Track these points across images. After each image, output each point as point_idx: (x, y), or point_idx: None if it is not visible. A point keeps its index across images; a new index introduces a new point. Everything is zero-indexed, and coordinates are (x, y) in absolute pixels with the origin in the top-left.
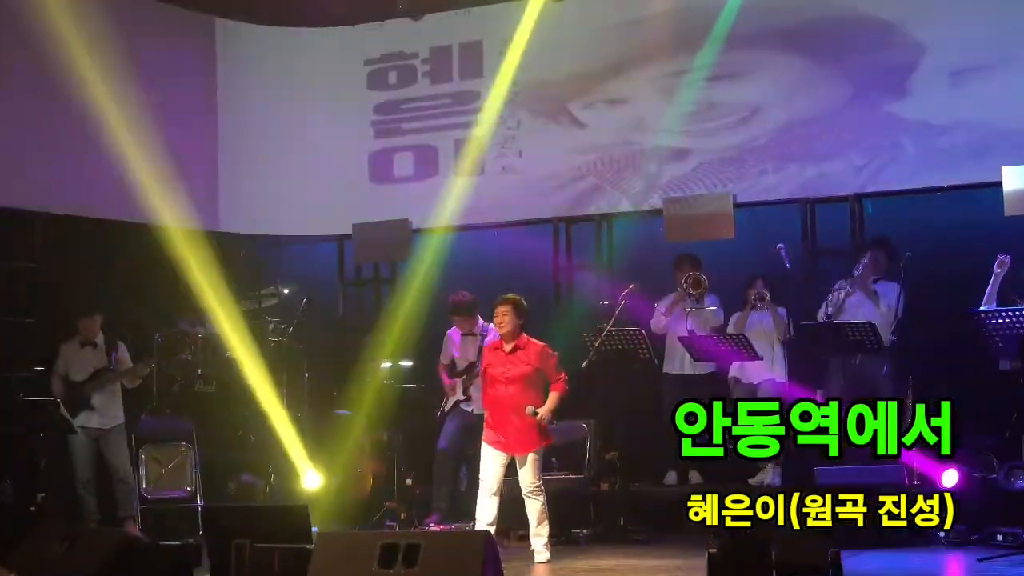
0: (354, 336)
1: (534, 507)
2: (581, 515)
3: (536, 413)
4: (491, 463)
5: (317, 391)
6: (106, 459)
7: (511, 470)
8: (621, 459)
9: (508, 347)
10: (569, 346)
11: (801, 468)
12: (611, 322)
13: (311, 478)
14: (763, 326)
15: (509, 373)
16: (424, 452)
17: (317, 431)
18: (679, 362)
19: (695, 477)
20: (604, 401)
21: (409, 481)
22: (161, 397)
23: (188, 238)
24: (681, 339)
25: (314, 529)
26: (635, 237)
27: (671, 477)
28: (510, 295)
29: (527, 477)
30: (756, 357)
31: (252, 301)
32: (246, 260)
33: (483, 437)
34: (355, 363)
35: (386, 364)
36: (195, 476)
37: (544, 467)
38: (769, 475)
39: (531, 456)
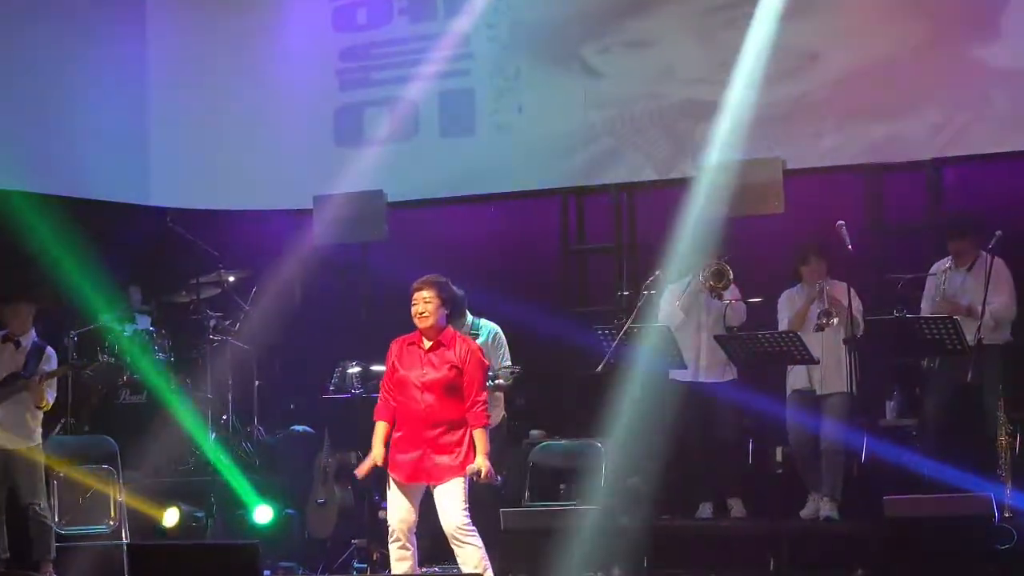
0: (316, 334)
1: (468, 556)
2: (595, 555)
3: (479, 472)
4: (399, 501)
5: (270, 402)
6: (15, 488)
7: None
8: (645, 486)
9: (427, 343)
10: (581, 346)
11: (866, 497)
12: (632, 317)
13: (262, 510)
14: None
15: (427, 377)
16: None
17: (270, 451)
18: (691, 368)
19: (737, 508)
20: (623, 414)
21: (383, 513)
22: (77, 410)
23: (111, 214)
24: (719, 338)
25: (266, 573)
26: (661, 212)
27: (705, 510)
28: (432, 276)
29: (452, 513)
30: (811, 360)
31: (190, 291)
32: (182, 241)
33: (389, 464)
34: (317, 368)
35: (355, 368)
36: (119, 507)
37: (549, 496)
38: (825, 507)
39: (455, 484)
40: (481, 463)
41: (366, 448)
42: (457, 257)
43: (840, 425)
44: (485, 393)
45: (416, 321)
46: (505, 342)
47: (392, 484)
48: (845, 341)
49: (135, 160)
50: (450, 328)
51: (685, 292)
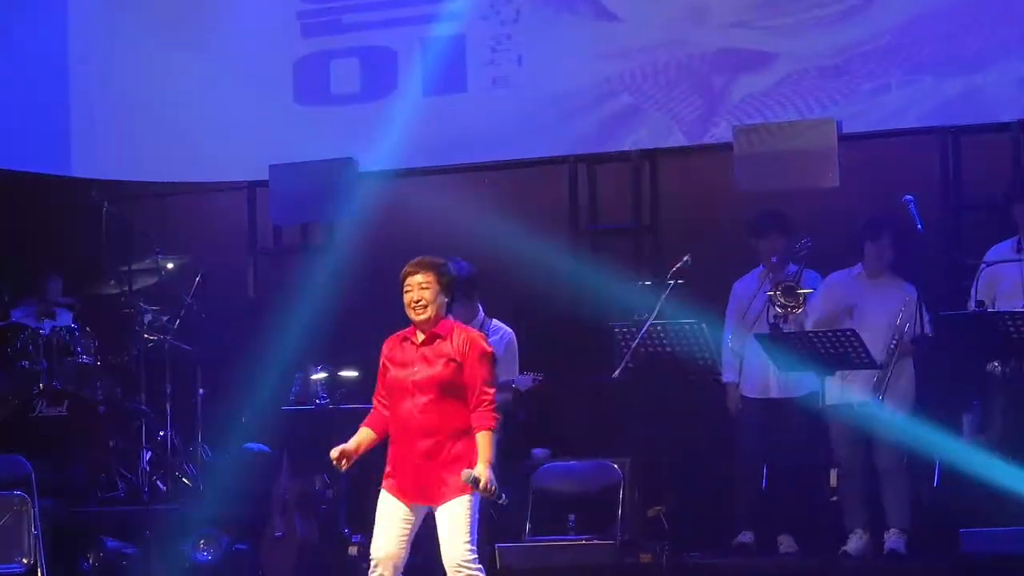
0: (272, 333)
1: None
2: None
3: (476, 480)
4: (389, 526)
5: (217, 414)
6: None
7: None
8: (670, 516)
9: (421, 336)
10: (593, 346)
11: (939, 529)
12: (655, 312)
13: (208, 544)
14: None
15: (419, 375)
16: (376, 505)
17: (218, 475)
18: (759, 381)
19: (787, 544)
20: (645, 430)
21: (354, 549)
22: None
23: (24, 187)
24: (759, 337)
25: None
26: (691, 185)
27: (747, 538)
28: (428, 257)
29: (454, 541)
30: (872, 364)
31: (120, 280)
32: (111, 219)
33: (383, 478)
34: (274, 374)
35: (320, 374)
36: (34, 542)
37: (555, 528)
38: (891, 538)
39: (459, 507)
40: (481, 471)
41: (332, 471)
42: (444, 239)
43: (902, 443)
44: (494, 390)
45: (410, 313)
46: (517, 352)
47: (383, 504)
48: (913, 341)
49: (52, 122)
50: (450, 318)
51: (749, 308)
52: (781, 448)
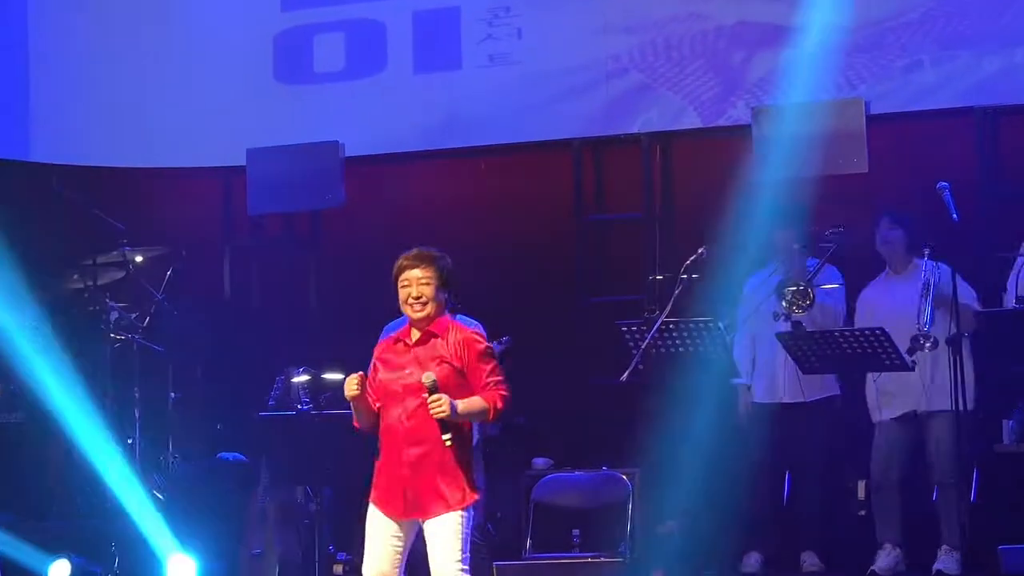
0: (250, 332)
1: None
2: None
3: (434, 386)
4: (379, 543)
5: (190, 421)
6: None
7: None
8: (684, 533)
9: (416, 335)
10: (600, 346)
11: (977, 546)
12: (668, 308)
13: (179, 563)
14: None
15: (411, 379)
16: (364, 520)
17: (190, 487)
18: (769, 383)
19: (811, 561)
20: (656, 438)
21: (340, 568)
22: None
23: None
24: (781, 336)
25: None
26: (706, 170)
27: (752, 562)
28: (428, 250)
29: (442, 559)
30: (904, 366)
31: (84, 274)
32: (74, 208)
33: (371, 494)
34: (251, 376)
35: (301, 376)
36: None
37: (558, 545)
38: (945, 559)
39: (448, 521)
40: (446, 399)
41: (318, 481)
42: (436, 229)
43: (949, 452)
44: (501, 377)
45: (407, 310)
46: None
47: (372, 520)
48: (948, 341)
49: (9, 103)
50: (447, 315)
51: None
52: (797, 459)
